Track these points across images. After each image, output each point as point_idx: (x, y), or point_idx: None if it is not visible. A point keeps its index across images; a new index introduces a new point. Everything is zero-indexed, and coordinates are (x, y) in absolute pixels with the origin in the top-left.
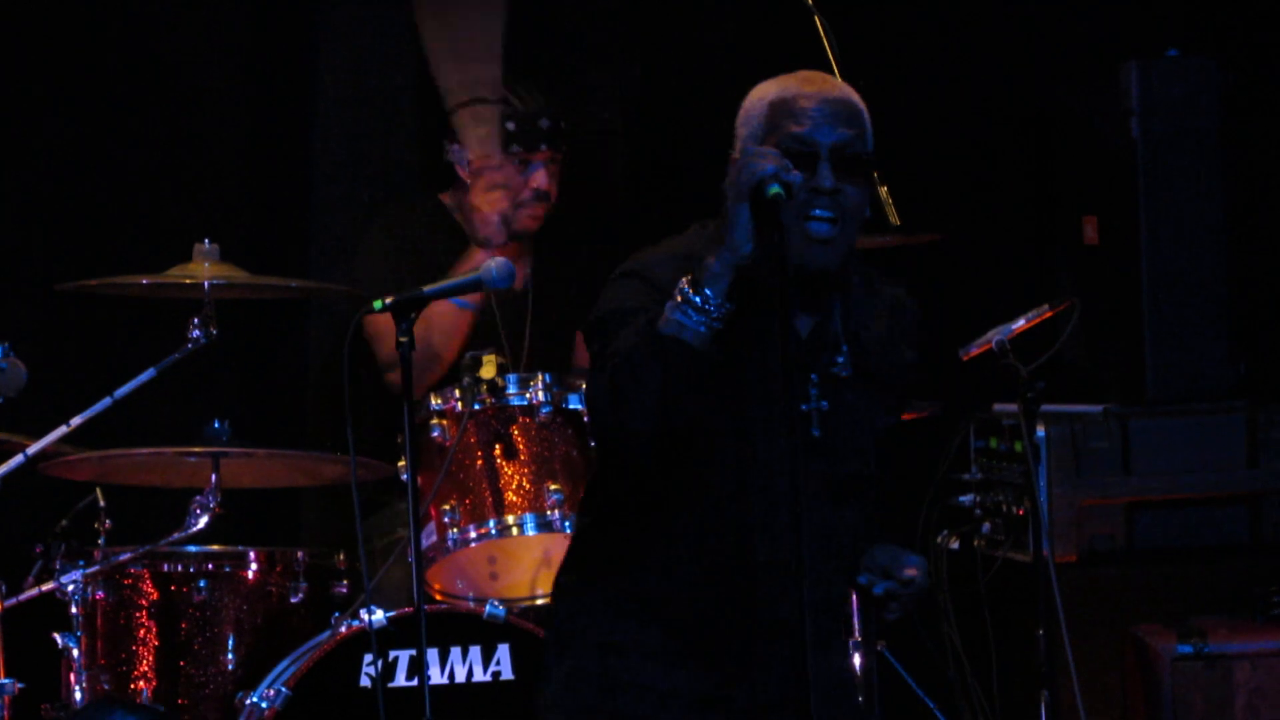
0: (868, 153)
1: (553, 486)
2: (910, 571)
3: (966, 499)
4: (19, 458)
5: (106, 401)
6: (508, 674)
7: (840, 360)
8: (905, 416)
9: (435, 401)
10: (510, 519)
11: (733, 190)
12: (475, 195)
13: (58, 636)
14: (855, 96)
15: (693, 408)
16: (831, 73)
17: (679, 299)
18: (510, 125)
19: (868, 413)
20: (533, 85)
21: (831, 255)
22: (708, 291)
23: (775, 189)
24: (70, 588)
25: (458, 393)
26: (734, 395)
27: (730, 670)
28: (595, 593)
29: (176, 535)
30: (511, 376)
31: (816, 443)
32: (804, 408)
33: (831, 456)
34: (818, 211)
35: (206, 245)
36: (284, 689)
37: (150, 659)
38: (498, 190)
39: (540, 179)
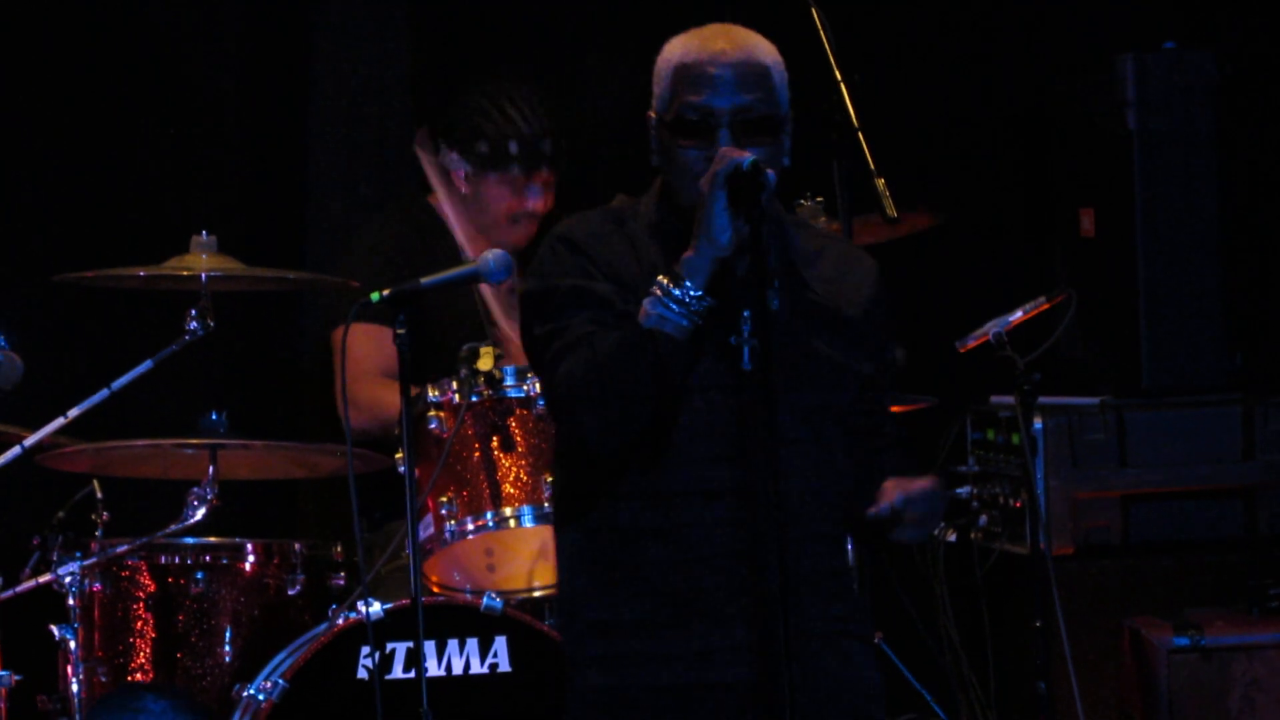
0: (773, 114)
1: (550, 478)
2: (920, 484)
3: (963, 491)
4: (16, 449)
5: (104, 393)
6: (505, 666)
7: (773, 300)
8: (902, 409)
9: (433, 393)
10: (508, 511)
11: (708, 182)
12: (491, 217)
13: (55, 628)
14: (762, 52)
15: (669, 403)
16: (829, 66)
17: (658, 293)
18: (513, 147)
19: (824, 354)
20: (535, 98)
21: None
22: (688, 285)
23: (750, 160)
24: (67, 579)
25: (455, 385)
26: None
27: (725, 621)
28: (585, 572)
29: (174, 527)
30: (509, 369)
31: (749, 376)
32: (731, 341)
33: (791, 391)
34: None
35: (204, 237)
36: (281, 681)
37: (147, 651)
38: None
39: (537, 200)
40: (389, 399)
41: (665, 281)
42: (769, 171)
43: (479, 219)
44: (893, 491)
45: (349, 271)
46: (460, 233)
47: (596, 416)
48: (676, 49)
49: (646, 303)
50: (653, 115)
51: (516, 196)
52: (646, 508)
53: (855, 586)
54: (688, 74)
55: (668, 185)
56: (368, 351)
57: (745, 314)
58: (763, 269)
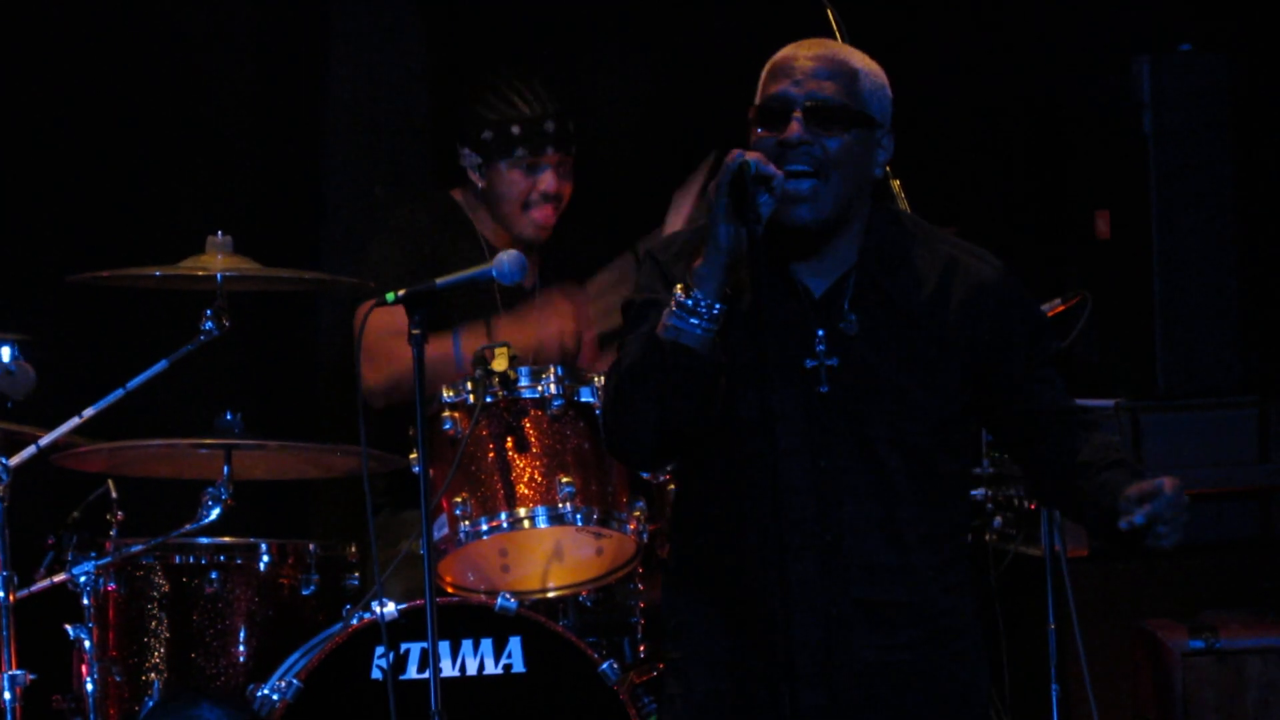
0: (850, 106)
1: (564, 479)
2: (1161, 486)
3: (978, 493)
4: (31, 449)
5: (119, 393)
6: (519, 667)
7: (852, 318)
8: None
9: (447, 394)
10: (522, 511)
11: (713, 189)
12: (506, 206)
13: (69, 628)
14: (851, 57)
15: (698, 413)
16: None
17: (673, 305)
18: (515, 130)
19: (894, 375)
20: (538, 83)
21: (813, 211)
22: (698, 294)
23: (742, 160)
24: (82, 579)
25: (470, 385)
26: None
27: (781, 639)
28: (670, 580)
29: (188, 527)
30: (523, 369)
31: (827, 399)
32: (809, 364)
33: (853, 417)
34: (790, 166)
35: (219, 237)
36: (295, 681)
37: (162, 650)
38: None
39: (548, 182)
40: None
41: (679, 292)
42: (773, 171)
43: (496, 211)
44: (1138, 498)
45: (370, 265)
46: (484, 231)
47: (618, 424)
48: (777, 55)
49: (665, 314)
50: (750, 115)
51: (527, 179)
52: (708, 535)
53: (950, 613)
54: (775, 69)
55: None
56: (382, 314)
57: (820, 333)
58: (759, 279)
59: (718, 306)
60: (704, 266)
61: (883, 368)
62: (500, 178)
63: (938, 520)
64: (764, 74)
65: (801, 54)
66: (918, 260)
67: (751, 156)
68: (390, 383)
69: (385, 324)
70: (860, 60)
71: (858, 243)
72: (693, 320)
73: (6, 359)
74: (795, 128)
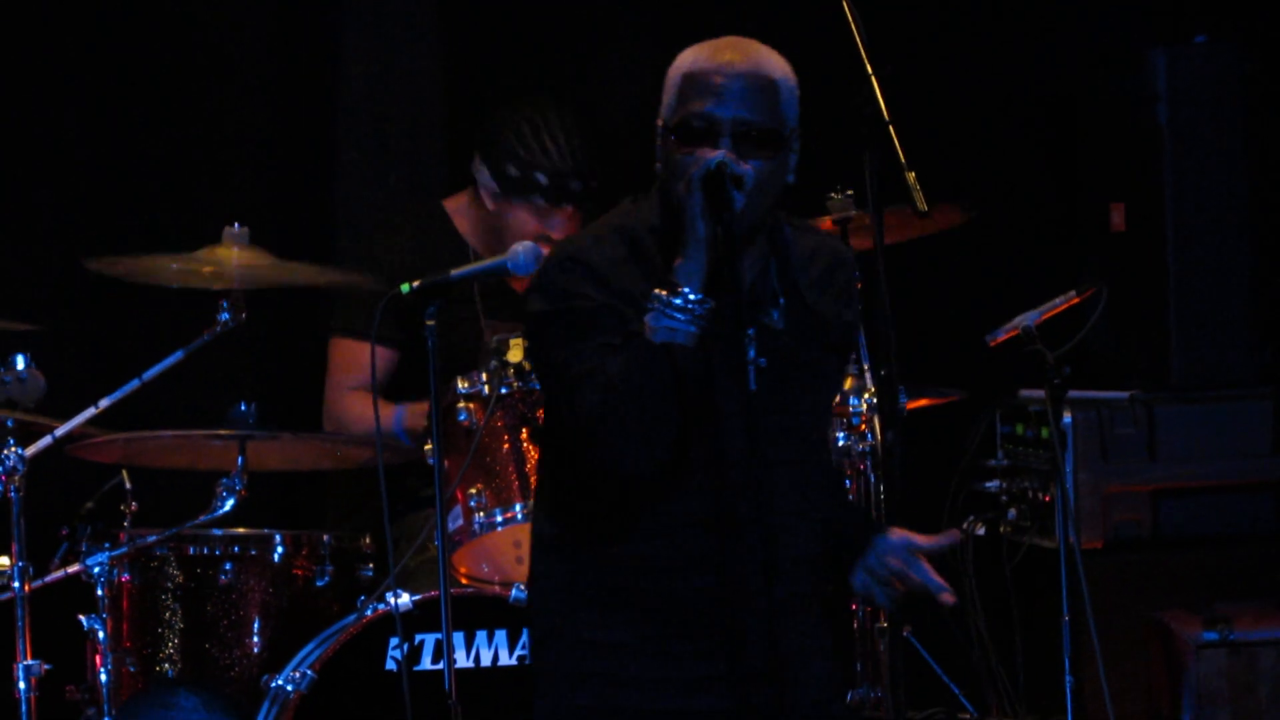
0: (776, 129)
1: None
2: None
3: (992, 485)
4: (46, 439)
5: (134, 383)
6: None
7: (775, 315)
8: (931, 402)
9: (462, 385)
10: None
11: (685, 186)
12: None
13: (83, 618)
14: (771, 66)
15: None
16: (860, 59)
17: (659, 306)
18: (540, 178)
19: (812, 366)
20: (573, 125)
21: (737, 227)
22: (686, 291)
23: (720, 159)
24: (96, 570)
25: (484, 376)
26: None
27: (714, 648)
28: (572, 588)
29: (202, 518)
30: None
31: (757, 397)
32: (760, 361)
33: (783, 412)
34: None
35: (235, 229)
36: (309, 672)
37: (176, 641)
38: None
39: (558, 231)
40: (356, 412)
41: (663, 293)
42: (744, 168)
43: (496, 237)
44: (901, 572)
45: (377, 258)
46: (475, 241)
47: (626, 440)
48: (687, 58)
49: (649, 318)
50: (660, 123)
51: (538, 225)
52: (646, 537)
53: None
54: (694, 82)
55: (665, 193)
56: (344, 367)
57: (750, 332)
58: (732, 272)
59: (708, 302)
60: (687, 263)
61: (804, 359)
62: (513, 213)
63: (827, 507)
64: (679, 81)
65: (723, 65)
66: (804, 249)
67: (730, 156)
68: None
69: (346, 380)
70: (777, 66)
71: (768, 240)
72: (683, 318)
73: (20, 366)
74: (724, 152)
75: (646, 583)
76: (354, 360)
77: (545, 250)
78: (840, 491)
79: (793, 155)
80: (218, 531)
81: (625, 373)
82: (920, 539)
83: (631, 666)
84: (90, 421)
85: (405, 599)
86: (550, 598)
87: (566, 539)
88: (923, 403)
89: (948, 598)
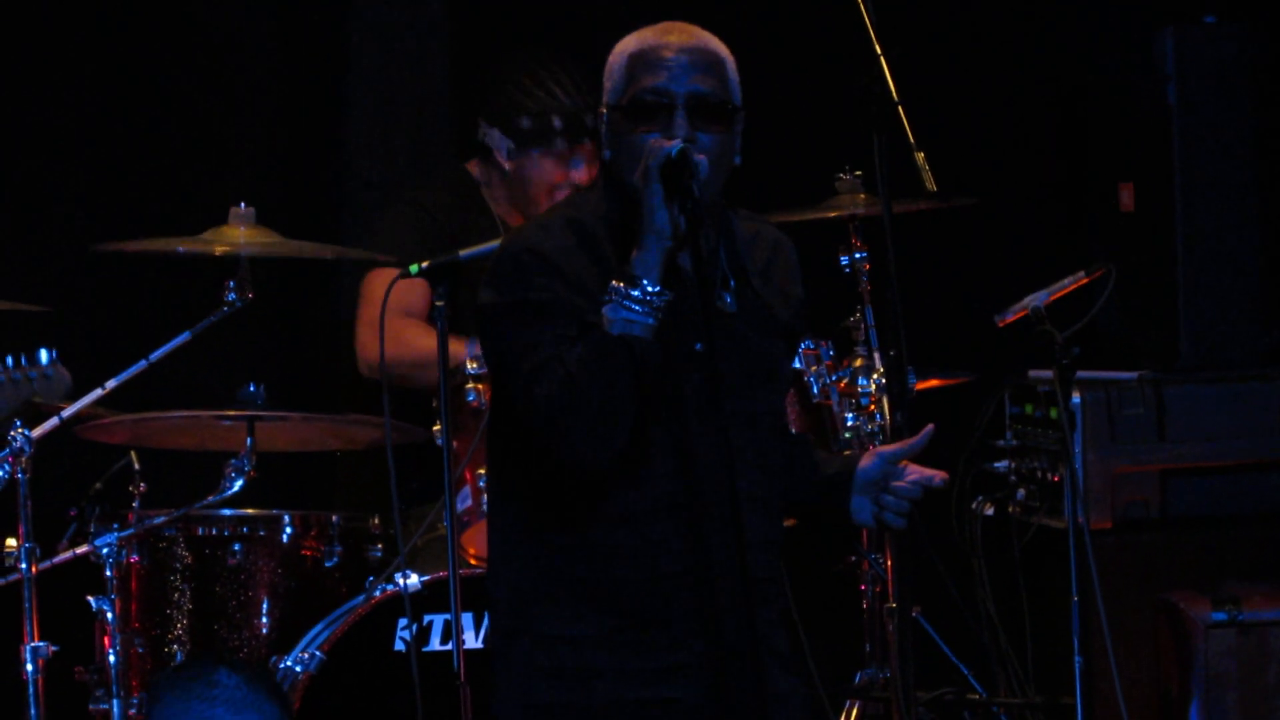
0: (728, 102)
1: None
2: (904, 483)
3: (1001, 465)
4: (54, 420)
5: (141, 364)
6: None
7: (727, 299)
8: (940, 383)
9: (471, 365)
10: None
11: (642, 176)
12: (534, 190)
13: (92, 600)
14: (716, 45)
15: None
16: (869, 40)
17: (615, 298)
18: (556, 121)
19: (762, 346)
20: (576, 72)
21: (697, 214)
22: (645, 283)
23: (681, 146)
24: (104, 551)
25: None
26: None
27: (686, 635)
28: (533, 581)
29: (211, 499)
30: None
31: (707, 383)
32: (697, 347)
33: (735, 391)
34: None
35: (242, 209)
36: (318, 653)
37: (184, 622)
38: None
39: (582, 173)
40: (410, 331)
41: (620, 285)
42: (700, 158)
43: (520, 194)
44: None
45: (384, 237)
46: (498, 209)
47: (585, 431)
48: (630, 42)
49: (607, 310)
50: (603, 110)
51: (560, 170)
52: (608, 527)
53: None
54: (643, 60)
55: (616, 179)
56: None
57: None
58: (698, 261)
59: (666, 294)
60: (646, 255)
61: (755, 342)
62: (534, 165)
63: (787, 487)
64: (624, 62)
65: (672, 43)
66: (746, 235)
67: (675, 144)
68: (397, 367)
69: (395, 302)
70: (720, 45)
71: (715, 224)
72: (640, 309)
73: (45, 361)
74: (681, 124)
75: (613, 572)
76: (407, 293)
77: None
78: (806, 453)
79: (738, 137)
80: (226, 512)
81: (584, 364)
82: (892, 448)
83: (601, 658)
84: (98, 402)
85: (414, 580)
86: (511, 592)
87: (524, 531)
88: (932, 383)
89: (941, 476)
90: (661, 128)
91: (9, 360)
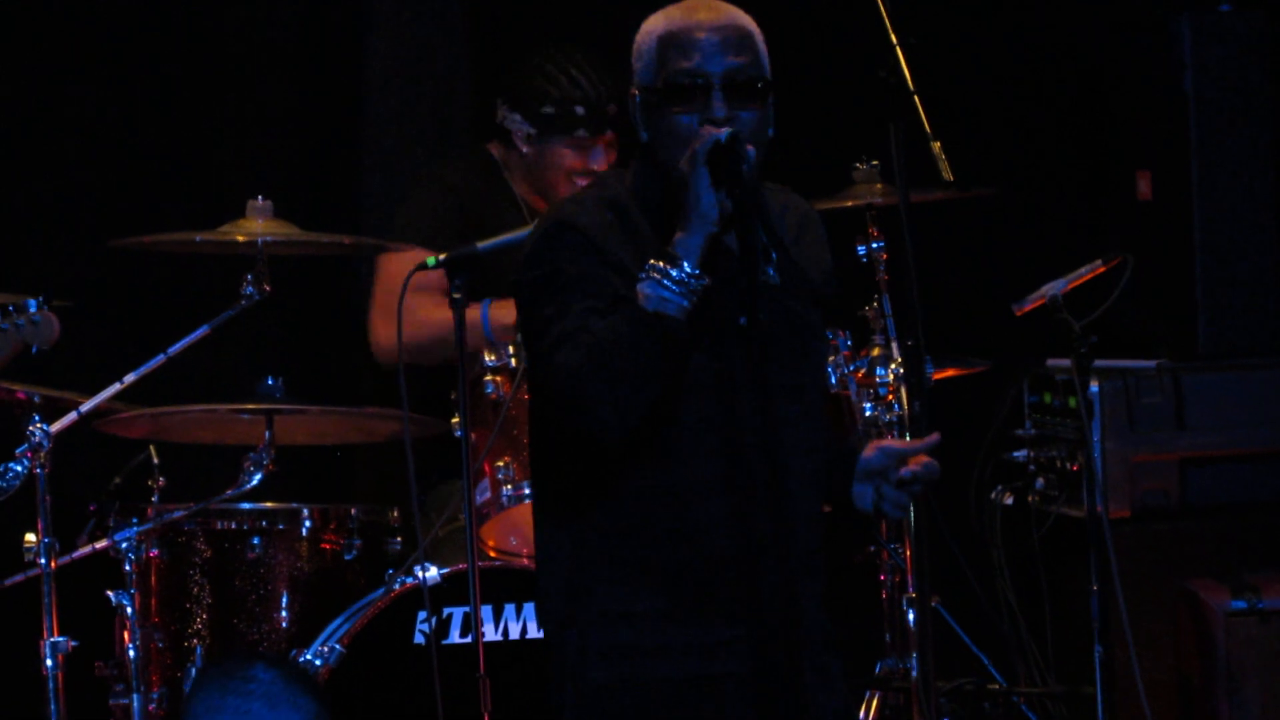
0: (761, 77)
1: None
2: (907, 469)
3: (1020, 454)
4: (72, 415)
5: (160, 358)
6: None
7: (770, 271)
8: (958, 372)
9: (489, 358)
10: None
11: (688, 161)
12: (552, 176)
13: (111, 594)
14: (745, 20)
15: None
16: (885, 29)
17: (655, 276)
18: (580, 110)
19: (805, 316)
20: (600, 61)
21: (746, 199)
22: (685, 264)
23: (731, 132)
24: (124, 545)
25: (511, 349)
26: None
27: (730, 615)
28: (583, 561)
29: (230, 492)
30: None
31: (752, 355)
32: (742, 320)
33: (781, 364)
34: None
35: (260, 201)
36: (338, 646)
37: (204, 616)
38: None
39: (601, 162)
40: (422, 307)
41: (661, 264)
42: (749, 145)
43: (539, 180)
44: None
45: (409, 217)
46: (519, 189)
47: (607, 399)
48: (659, 21)
49: (643, 286)
50: (635, 92)
51: (581, 158)
52: (653, 505)
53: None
54: (675, 41)
55: (652, 159)
56: (405, 269)
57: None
58: (749, 244)
59: (704, 278)
60: (688, 237)
61: (799, 313)
62: (554, 153)
63: (824, 463)
64: (654, 44)
65: (703, 22)
66: (776, 205)
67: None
68: (411, 345)
69: (413, 280)
70: (749, 19)
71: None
72: (677, 290)
73: (32, 309)
74: (718, 104)
75: (662, 550)
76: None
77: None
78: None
79: (771, 108)
80: (245, 506)
81: (612, 334)
82: (896, 445)
83: (651, 637)
84: (117, 397)
85: (433, 572)
86: (561, 577)
87: (570, 514)
88: (950, 373)
89: (933, 437)
90: (699, 108)
91: None
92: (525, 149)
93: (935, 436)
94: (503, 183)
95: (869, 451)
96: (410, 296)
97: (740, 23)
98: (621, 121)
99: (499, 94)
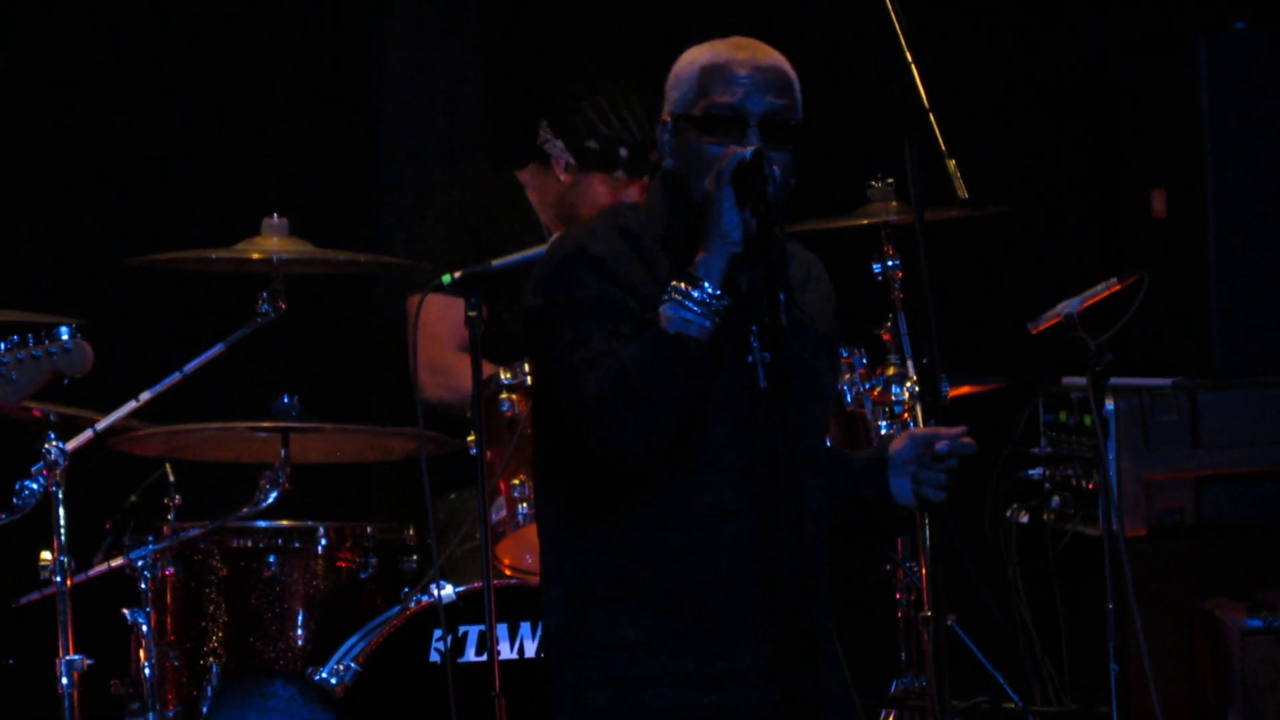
0: (796, 120)
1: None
2: (943, 442)
3: (1036, 472)
4: (88, 433)
5: (175, 376)
6: None
7: (782, 308)
8: (973, 389)
9: (505, 376)
10: None
11: (713, 181)
12: (585, 209)
13: (127, 612)
14: (786, 64)
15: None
16: (900, 47)
17: (677, 297)
18: (624, 152)
19: (810, 360)
20: (645, 99)
21: (771, 219)
22: (705, 285)
23: (758, 148)
24: (140, 563)
25: (527, 367)
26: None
27: (741, 642)
28: (590, 587)
29: (246, 510)
30: None
31: (765, 393)
32: (748, 359)
33: (792, 407)
34: None
35: (275, 220)
36: (353, 664)
37: (220, 634)
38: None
39: (634, 200)
40: (463, 369)
41: (682, 285)
42: (775, 167)
43: (569, 209)
44: (922, 456)
45: (424, 248)
46: (544, 215)
47: (632, 423)
48: (704, 53)
49: (665, 308)
50: (667, 119)
51: (614, 197)
52: (665, 528)
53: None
54: (719, 74)
55: (677, 188)
56: (442, 322)
57: (754, 329)
58: (773, 268)
59: (726, 298)
60: (710, 257)
61: (803, 356)
62: (590, 186)
63: (826, 503)
64: (696, 74)
65: (746, 60)
66: (785, 251)
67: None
68: (458, 401)
69: (443, 336)
70: (788, 63)
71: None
72: (699, 311)
73: (65, 337)
74: (753, 141)
75: (673, 575)
76: (451, 317)
77: None
78: (836, 457)
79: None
80: (261, 524)
81: (637, 357)
82: (923, 430)
83: (659, 663)
84: (132, 415)
85: (449, 590)
86: (567, 598)
87: (578, 536)
88: (964, 390)
89: (959, 436)
90: (733, 141)
91: (30, 338)
92: (563, 176)
93: (963, 428)
94: (520, 204)
95: (898, 443)
96: (454, 355)
97: (783, 66)
98: (658, 167)
99: (544, 115)
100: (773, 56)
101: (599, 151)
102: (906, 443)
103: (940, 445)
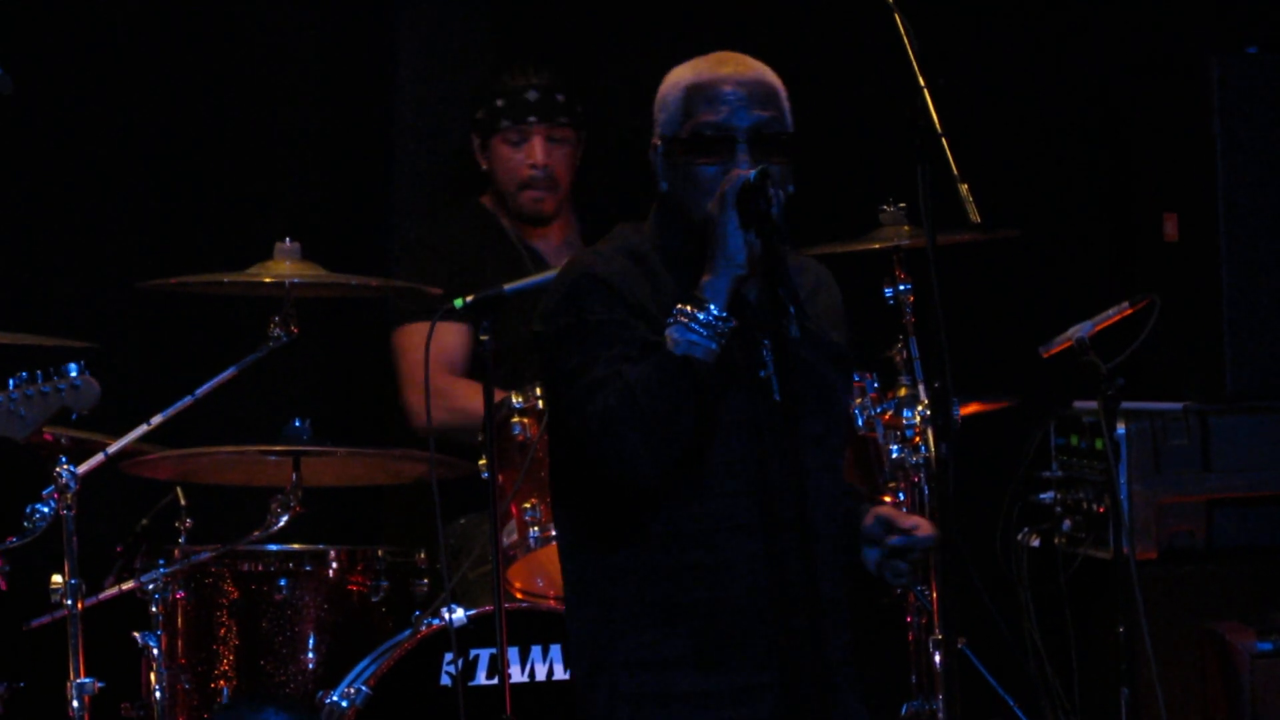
0: (786, 131)
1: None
2: (909, 521)
3: (1047, 496)
4: (99, 456)
5: (187, 400)
6: None
7: (790, 326)
8: (983, 407)
9: (516, 399)
10: None
11: (717, 204)
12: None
13: (138, 635)
14: (771, 75)
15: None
16: (912, 71)
17: (683, 320)
18: (500, 102)
19: (822, 371)
20: (542, 64)
21: (777, 239)
22: (711, 307)
23: (757, 172)
24: (151, 587)
25: (539, 390)
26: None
27: (757, 659)
28: (611, 609)
29: (257, 534)
30: None
31: (779, 407)
32: (761, 374)
33: (805, 420)
34: None
35: (287, 244)
36: (364, 688)
37: (230, 658)
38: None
39: (536, 152)
40: (460, 390)
41: (688, 308)
42: (776, 190)
43: (500, 193)
44: (885, 533)
45: (409, 277)
46: (512, 228)
47: (641, 445)
48: (686, 73)
49: (672, 331)
50: (658, 142)
51: (516, 153)
52: (680, 546)
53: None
54: (702, 94)
55: (674, 210)
56: (438, 348)
57: (765, 343)
58: (777, 287)
59: (731, 320)
60: (715, 279)
61: (816, 367)
62: (496, 154)
63: (843, 515)
64: (680, 95)
65: (730, 76)
66: (793, 262)
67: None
68: (459, 423)
69: (435, 359)
70: (773, 75)
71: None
72: (705, 333)
73: (74, 373)
74: (743, 158)
75: (690, 594)
76: (445, 341)
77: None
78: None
79: (791, 165)
80: (272, 547)
81: (644, 379)
82: (892, 518)
83: (680, 681)
84: (144, 438)
85: (460, 614)
86: (590, 622)
87: (597, 558)
88: (974, 408)
89: (914, 530)
90: (724, 161)
91: (39, 375)
92: (484, 165)
93: (932, 531)
94: (495, 229)
95: (868, 519)
96: (445, 377)
97: (767, 78)
98: (553, 110)
99: (471, 130)
100: (756, 69)
101: (485, 116)
102: (873, 520)
103: (892, 539)
